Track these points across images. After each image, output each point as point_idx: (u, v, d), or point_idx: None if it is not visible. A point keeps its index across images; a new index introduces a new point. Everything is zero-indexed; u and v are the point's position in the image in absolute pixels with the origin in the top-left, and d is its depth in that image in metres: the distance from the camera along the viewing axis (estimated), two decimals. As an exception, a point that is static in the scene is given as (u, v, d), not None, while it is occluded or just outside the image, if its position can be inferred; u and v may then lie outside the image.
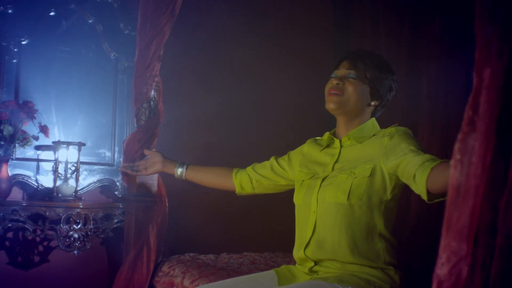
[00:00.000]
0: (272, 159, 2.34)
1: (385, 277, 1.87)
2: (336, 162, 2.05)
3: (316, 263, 1.94)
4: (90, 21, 3.52)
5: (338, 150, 2.08)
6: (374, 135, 2.03)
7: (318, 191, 1.99)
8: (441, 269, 1.16)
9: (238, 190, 2.38)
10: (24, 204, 3.04)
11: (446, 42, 3.37)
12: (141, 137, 2.49)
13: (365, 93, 2.04)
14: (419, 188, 1.70)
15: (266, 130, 3.80)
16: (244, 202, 3.42)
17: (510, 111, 1.17)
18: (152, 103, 2.50)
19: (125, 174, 2.61)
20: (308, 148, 2.25)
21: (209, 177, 2.38)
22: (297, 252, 2.03)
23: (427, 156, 1.73)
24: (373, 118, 2.11)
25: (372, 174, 1.91)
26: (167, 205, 2.52)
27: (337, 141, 2.11)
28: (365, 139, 2.03)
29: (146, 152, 2.42)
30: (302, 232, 2.04)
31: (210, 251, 2.92)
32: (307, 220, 2.01)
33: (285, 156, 2.33)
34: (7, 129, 3.04)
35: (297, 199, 2.11)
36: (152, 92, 2.50)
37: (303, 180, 2.11)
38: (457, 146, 1.16)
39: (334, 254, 1.90)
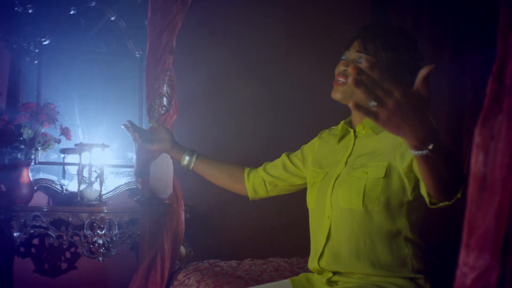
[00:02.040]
0: (284, 157, 2.10)
1: (414, 287, 1.62)
2: (349, 155, 1.81)
3: (334, 273, 1.72)
4: (113, 18, 3.39)
5: (352, 142, 1.83)
6: None
7: (331, 193, 1.75)
8: (464, 280, 0.94)
9: (251, 195, 2.13)
10: (45, 210, 2.94)
11: (491, 30, 3.09)
12: (153, 136, 2.34)
13: None
14: (422, 189, 1.45)
15: (285, 127, 3.59)
16: (273, 203, 3.23)
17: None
18: (165, 99, 2.34)
19: (138, 176, 2.46)
20: (321, 142, 2.01)
21: (219, 175, 2.15)
22: (312, 263, 1.80)
23: None
24: None
25: (387, 174, 1.65)
26: (183, 208, 2.35)
27: (351, 131, 1.85)
28: (382, 129, 1.77)
29: (154, 123, 2.20)
30: (316, 239, 1.81)
31: (235, 256, 2.74)
32: (321, 226, 1.77)
33: (298, 152, 2.09)
34: (27, 132, 2.95)
35: (309, 202, 1.88)
36: (165, 87, 2.34)
37: (314, 180, 1.88)
38: (478, 128, 0.93)
39: (351, 267, 1.67)
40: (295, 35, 3.72)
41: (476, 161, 0.93)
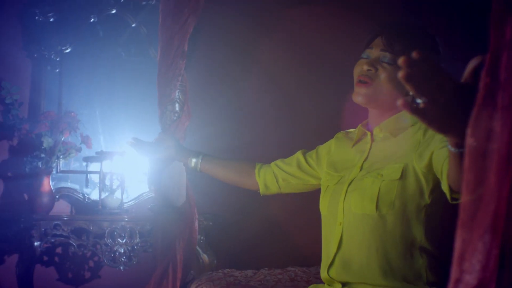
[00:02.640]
0: (299, 155, 2.01)
1: None
2: (365, 160, 1.71)
3: (344, 284, 1.62)
4: (134, 25, 3.36)
5: (369, 145, 1.74)
6: (412, 125, 1.67)
7: (344, 199, 1.66)
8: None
9: (262, 190, 2.06)
10: (65, 219, 2.92)
11: None
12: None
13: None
14: (444, 185, 1.35)
15: (298, 132, 3.49)
16: (296, 209, 3.14)
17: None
18: (177, 105, 2.29)
19: (152, 184, 2.41)
20: (337, 145, 1.92)
21: (228, 173, 2.10)
22: (322, 272, 1.71)
23: None
24: None
25: (403, 176, 1.55)
26: (196, 217, 2.29)
27: (368, 134, 1.76)
28: (401, 131, 1.67)
29: (159, 136, 2.22)
30: (327, 247, 1.72)
31: (253, 265, 2.67)
32: (333, 233, 1.68)
33: (313, 152, 2.00)
34: (47, 141, 2.94)
35: (322, 207, 1.79)
36: (177, 93, 2.28)
37: (328, 184, 1.79)
38: (471, 128, 0.84)
39: (362, 277, 1.57)
40: (311, 39, 3.63)
41: (469, 166, 0.83)
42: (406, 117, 1.68)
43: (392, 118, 1.69)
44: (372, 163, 1.69)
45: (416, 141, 1.58)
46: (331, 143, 1.95)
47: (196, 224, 2.29)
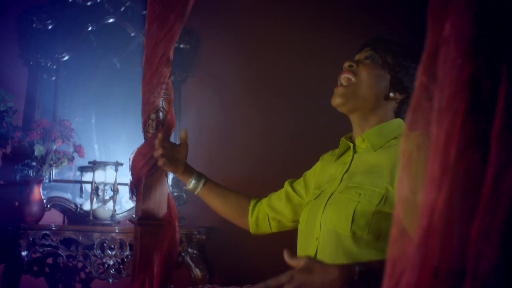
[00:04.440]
0: (287, 186, 1.92)
1: None
2: (346, 172, 1.63)
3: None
4: (132, 35, 3.34)
5: (350, 158, 1.66)
6: (394, 137, 1.59)
7: (322, 212, 1.57)
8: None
9: (252, 230, 1.97)
10: (54, 228, 2.87)
11: None
12: (146, 152, 2.20)
13: (383, 81, 1.61)
14: None
15: (297, 147, 3.42)
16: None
17: (488, 75, 0.74)
18: (160, 113, 2.22)
19: (133, 193, 2.34)
20: (322, 164, 1.84)
21: (225, 207, 2.00)
22: None
23: None
24: (399, 119, 1.64)
25: (381, 203, 1.46)
26: (177, 230, 2.21)
27: (351, 146, 1.68)
28: (382, 143, 1.59)
29: (183, 134, 2.07)
30: None
31: (248, 281, 2.57)
32: (308, 247, 1.60)
33: (301, 180, 1.91)
34: (38, 149, 2.90)
35: (300, 222, 1.71)
36: (161, 102, 2.22)
37: (309, 200, 1.71)
38: (404, 133, 0.76)
39: None
40: (312, 48, 3.57)
41: (402, 176, 0.75)
42: (391, 127, 1.62)
43: (375, 128, 1.62)
44: (352, 175, 1.61)
45: (394, 161, 1.50)
46: (317, 166, 1.88)
47: (177, 237, 2.20)
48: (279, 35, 3.51)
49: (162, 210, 2.22)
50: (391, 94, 1.62)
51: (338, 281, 1.22)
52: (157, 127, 2.22)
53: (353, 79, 1.61)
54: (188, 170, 2.03)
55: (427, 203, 0.71)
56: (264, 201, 1.97)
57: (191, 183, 2.00)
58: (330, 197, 1.59)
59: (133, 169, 2.22)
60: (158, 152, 2.01)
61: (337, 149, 1.83)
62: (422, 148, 0.74)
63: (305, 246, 1.64)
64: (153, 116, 2.22)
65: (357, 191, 1.52)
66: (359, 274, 1.25)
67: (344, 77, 1.63)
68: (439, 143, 0.70)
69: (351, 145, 1.68)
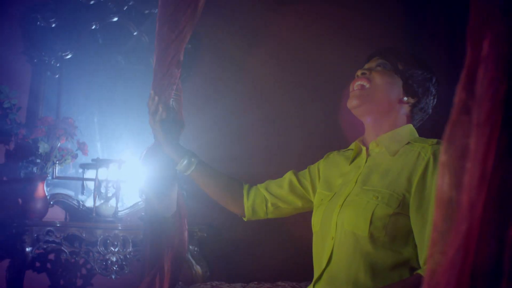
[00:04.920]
0: (291, 176, 1.93)
1: None
2: (360, 174, 1.68)
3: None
4: (135, 33, 3.37)
5: (364, 160, 1.71)
6: (408, 143, 1.65)
7: (338, 213, 1.62)
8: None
9: (248, 215, 1.95)
10: (58, 225, 2.91)
11: None
12: (159, 150, 2.26)
13: (397, 86, 1.68)
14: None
15: (293, 146, 3.48)
16: (282, 224, 3.12)
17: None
18: (171, 113, 2.27)
19: (143, 192, 2.39)
20: (327, 163, 1.88)
21: (217, 188, 1.98)
22: (310, 286, 1.69)
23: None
24: (410, 125, 1.72)
25: (399, 207, 1.53)
26: (186, 227, 2.26)
27: (364, 149, 1.74)
28: (397, 148, 1.65)
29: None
30: (318, 261, 1.69)
31: (242, 279, 2.64)
32: (324, 246, 1.64)
33: (305, 172, 1.93)
34: (43, 147, 2.93)
35: (314, 224, 1.74)
36: (171, 102, 2.26)
37: (322, 202, 1.75)
38: (444, 144, 0.81)
39: None
40: (305, 47, 3.63)
41: (442, 184, 0.80)
42: (404, 133, 1.68)
43: (389, 133, 1.68)
44: (367, 177, 1.65)
45: (415, 172, 1.55)
46: (320, 163, 1.92)
47: (186, 235, 2.26)
48: (282, 34, 3.56)
49: (172, 209, 2.27)
50: (405, 99, 1.69)
51: None
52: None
53: (367, 85, 1.68)
54: (181, 149, 1.99)
55: (466, 210, 0.76)
56: (261, 186, 1.97)
57: (183, 163, 1.95)
58: (346, 199, 1.64)
59: (145, 168, 2.27)
60: (162, 114, 1.99)
61: (344, 149, 1.89)
62: (460, 159, 0.79)
63: (321, 246, 1.68)
64: (163, 116, 2.27)
65: (375, 194, 1.57)
66: None
67: (358, 84, 1.69)
68: (477, 154, 0.76)
69: (364, 148, 1.74)
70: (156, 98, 2.00)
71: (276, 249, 3.29)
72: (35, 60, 3.16)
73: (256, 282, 2.43)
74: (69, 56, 3.21)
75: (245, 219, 1.99)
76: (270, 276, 2.69)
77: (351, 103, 1.69)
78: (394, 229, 1.52)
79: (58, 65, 3.19)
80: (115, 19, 3.30)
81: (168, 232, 2.20)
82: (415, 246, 1.53)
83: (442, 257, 0.77)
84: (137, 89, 3.38)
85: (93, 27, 3.25)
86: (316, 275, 1.66)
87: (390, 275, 1.52)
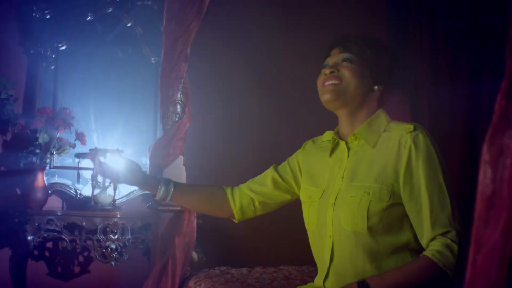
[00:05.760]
0: (273, 173, 1.99)
1: None
2: (345, 169, 1.73)
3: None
4: (129, 25, 3.42)
5: (346, 154, 1.76)
6: (384, 130, 1.71)
7: (332, 212, 1.69)
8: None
9: (238, 217, 2.00)
10: (59, 214, 2.97)
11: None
12: (166, 143, 2.35)
13: (365, 77, 1.73)
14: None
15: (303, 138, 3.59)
16: (285, 211, 3.22)
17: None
18: (178, 106, 2.35)
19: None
20: (305, 154, 1.95)
21: (200, 203, 2.03)
22: (318, 281, 1.77)
23: (436, 232, 1.57)
24: (380, 109, 1.77)
25: (391, 199, 1.62)
26: (195, 215, 2.35)
27: (342, 143, 1.79)
28: (376, 138, 1.71)
29: (125, 163, 1.94)
30: (320, 259, 1.78)
31: (247, 264, 2.73)
32: (323, 245, 1.72)
33: (286, 166, 2.00)
34: (42, 137, 2.98)
35: (310, 224, 1.81)
36: (179, 95, 2.35)
37: (312, 200, 1.81)
38: (486, 145, 0.93)
39: None
40: (310, 46, 3.70)
41: (484, 178, 0.92)
42: (379, 121, 1.74)
43: (365, 125, 1.74)
44: (353, 172, 1.71)
45: (400, 162, 1.62)
46: (299, 154, 1.98)
47: (195, 222, 2.36)
48: (278, 35, 3.62)
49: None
50: (375, 88, 1.75)
51: None
52: (175, 119, 2.36)
53: (338, 83, 1.72)
54: (152, 180, 1.99)
55: (507, 201, 0.89)
56: (244, 187, 2.01)
57: (161, 190, 1.94)
58: (336, 196, 1.70)
59: (153, 159, 2.35)
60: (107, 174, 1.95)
61: (319, 138, 1.95)
62: (501, 156, 0.92)
63: (320, 245, 1.75)
64: (171, 108, 2.35)
65: (365, 190, 1.64)
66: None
67: (328, 79, 1.73)
68: (516, 153, 0.88)
69: (342, 142, 1.78)
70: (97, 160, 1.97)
71: (274, 236, 3.39)
72: (31, 51, 3.19)
73: (261, 267, 2.53)
74: (64, 47, 3.25)
75: (235, 221, 2.05)
76: (271, 261, 2.78)
77: (325, 97, 1.73)
78: (390, 219, 1.61)
79: (53, 56, 3.23)
80: (110, 10, 3.35)
81: (177, 221, 2.29)
82: (410, 229, 1.63)
83: (485, 243, 0.90)
84: (131, 79, 3.45)
85: (88, 18, 3.29)
86: (322, 273, 1.74)
87: (393, 259, 1.63)
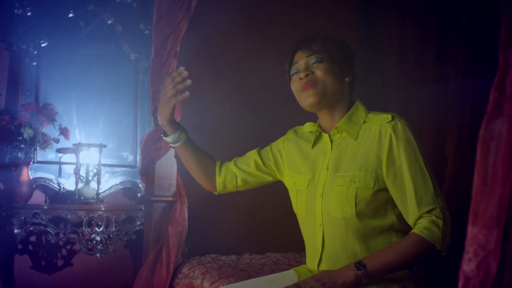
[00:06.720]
0: (256, 156, 2.10)
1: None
2: (330, 161, 1.86)
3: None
4: (110, 22, 3.49)
5: (329, 146, 1.88)
6: (364, 122, 1.84)
7: (321, 202, 1.82)
8: (468, 265, 1.07)
9: (219, 189, 2.12)
10: (45, 207, 3.02)
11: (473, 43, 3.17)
12: (158, 136, 2.44)
13: (336, 72, 1.85)
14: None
15: (274, 125, 3.70)
16: (267, 200, 3.34)
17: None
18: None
19: (143, 174, 2.56)
20: (290, 144, 2.05)
21: (197, 164, 2.05)
22: (311, 265, 1.90)
23: (422, 211, 1.70)
24: (357, 101, 1.90)
25: (375, 185, 1.75)
26: (186, 205, 2.46)
27: (325, 136, 1.90)
28: (357, 130, 1.83)
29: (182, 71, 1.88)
30: (311, 245, 1.90)
31: (232, 252, 2.84)
32: (314, 232, 1.85)
33: (268, 151, 2.11)
34: (27, 132, 3.03)
35: (299, 210, 1.93)
36: (169, 90, 2.44)
37: (297, 188, 1.93)
38: (482, 131, 1.08)
39: None
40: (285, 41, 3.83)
41: (481, 159, 1.07)
42: (358, 113, 1.86)
43: (345, 118, 1.85)
44: (337, 163, 1.83)
45: (382, 151, 1.75)
46: (282, 142, 2.09)
47: (186, 212, 2.46)
48: (269, 33, 3.72)
49: (173, 188, 2.46)
50: (346, 79, 1.88)
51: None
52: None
53: (316, 85, 1.82)
54: (176, 123, 2.03)
55: (501, 178, 1.04)
56: (230, 164, 2.13)
57: (177, 133, 2.00)
58: (324, 187, 1.83)
59: (145, 152, 2.44)
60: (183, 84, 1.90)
61: (301, 127, 2.06)
62: (495, 140, 1.06)
63: (311, 232, 1.88)
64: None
65: (351, 178, 1.77)
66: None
67: (306, 83, 1.83)
68: (508, 137, 1.04)
69: (325, 135, 1.90)
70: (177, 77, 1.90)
71: (260, 225, 3.49)
72: (14, 48, 3.21)
73: (248, 254, 2.65)
74: (46, 44, 3.29)
75: (215, 193, 2.15)
76: (257, 249, 2.90)
77: (308, 101, 1.83)
78: (375, 203, 1.76)
79: (35, 52, 3.26)
80: (91, 7, 3.41)
81: (169, 211, 2.39)
82: (393, 211, 1.78)
83: (483, 212, 1.05)
84: (112, 75, 3.52)
85: (70, 15, 3.35)
86: (314, 257, 1.86)
87: (380, 240, 1.77)
